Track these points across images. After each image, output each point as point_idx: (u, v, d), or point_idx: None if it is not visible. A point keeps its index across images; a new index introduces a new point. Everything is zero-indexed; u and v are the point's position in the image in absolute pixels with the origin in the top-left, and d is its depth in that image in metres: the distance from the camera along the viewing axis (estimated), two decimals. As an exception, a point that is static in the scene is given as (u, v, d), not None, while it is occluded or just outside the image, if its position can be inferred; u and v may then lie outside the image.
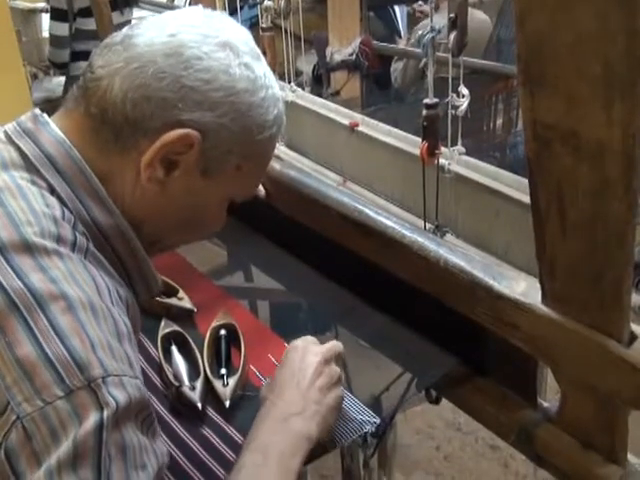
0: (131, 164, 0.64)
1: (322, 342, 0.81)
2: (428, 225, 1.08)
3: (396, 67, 2.71)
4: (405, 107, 2.43)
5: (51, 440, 0.49)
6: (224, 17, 0.69)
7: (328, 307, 1.03)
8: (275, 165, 1.05)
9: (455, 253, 0.79)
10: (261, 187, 1.04)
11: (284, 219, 1.03)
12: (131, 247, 0.66)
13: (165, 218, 0.68)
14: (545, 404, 0.79)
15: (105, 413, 0.50)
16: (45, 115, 0.66)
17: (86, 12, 2.58)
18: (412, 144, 1.12)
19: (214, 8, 1.59)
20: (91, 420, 0.49)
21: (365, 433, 0.79)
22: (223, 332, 0.92)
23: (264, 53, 1.39)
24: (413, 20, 3.11)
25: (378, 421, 0.80)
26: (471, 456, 1.99)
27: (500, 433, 0.81)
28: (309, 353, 0.76)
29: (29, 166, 0.62)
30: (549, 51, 0.50)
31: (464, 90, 0.97)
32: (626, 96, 0.48)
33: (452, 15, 0.90)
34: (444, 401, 0.97)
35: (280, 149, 1.44)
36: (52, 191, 0.61)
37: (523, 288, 0.71)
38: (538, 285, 0.68)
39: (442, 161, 1.03)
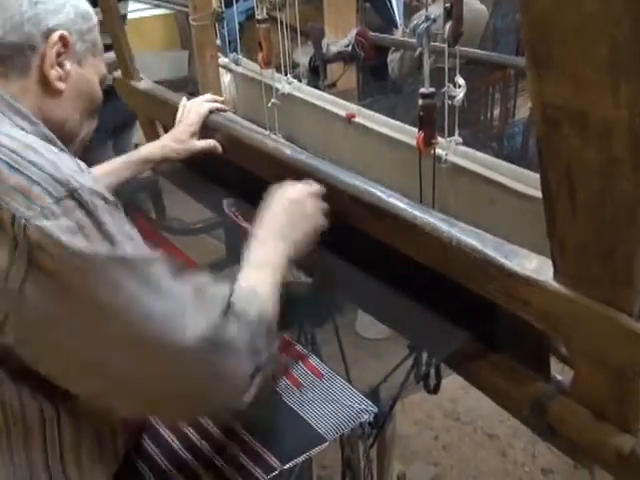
0: (33, 80, 0.77)
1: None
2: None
3: (393, 58, 2.70)
4: (402, 98, 2.43)
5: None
6: None
7: (338, 288, 1.04)
8: (285, 150, 1.05)
9: (467, 233, 0.79)
10: (217, 144, 1.23)
11: None
12: (57, 147, 0.74)
13: (75, 111, 0.83)
14: (558, 377, 0.80)
15: (88, 208, 0.62)
16: None
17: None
18: (409, 134, 1.12)
19: (210, 0, 1.59)
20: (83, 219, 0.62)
21: (364, 422, 0.79)
22: None
23: (260, 45, 1.40)
24: (410, 10, 3.10)
25: (376, 410, 0.80)
26: (470, 446, 2.00)
27: (511, 408, 0.83)
28: (284, 195, 0.91)
29: None
30: (555, 34, 0.51)
31: (460, 80, 0.97)
32: (632, 77, 0.49)
33: (447, 5, 0.89)
34: (443, 391, 0.97)
35: (278, 141, 1.44)
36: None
37: (535, 265, 0.72)
38: (550, 263, 0.69)
39: (439, 151, 1.03)
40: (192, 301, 0.67)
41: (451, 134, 1.04)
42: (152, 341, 0.63)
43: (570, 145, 0.56)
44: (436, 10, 0.97)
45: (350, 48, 1.87)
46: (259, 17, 1.38)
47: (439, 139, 1.02)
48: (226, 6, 1.75)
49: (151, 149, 1.24)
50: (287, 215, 0.89)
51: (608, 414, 0.72)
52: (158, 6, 3.79)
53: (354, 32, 1.86)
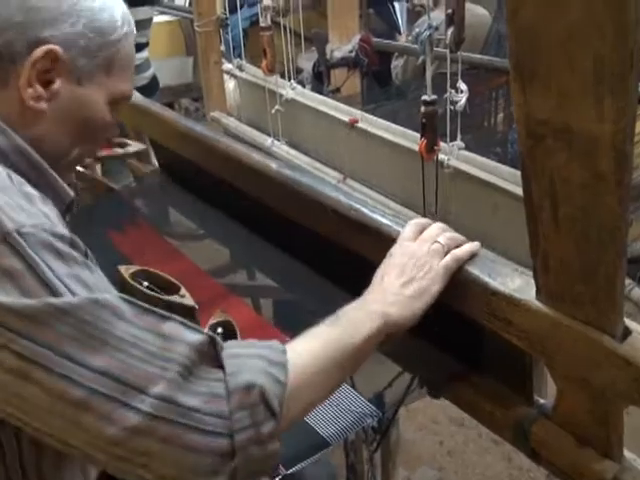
0: (13, 92, 0.69)
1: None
2: (428, 220, 1.08)
3: (396, 64, 2.70)
4: (406, 104, 2.43)
5: None
6: None
7: (323, 305, 1.03)
8: (271, 165, 1.05)
9: None
10: None
11: (279, 217, 1.03)
12: (32, 162, 0.70)
13: (61, 132, 0.74)
14: (541, 400, 0.79)
15: (28, 257, 0.54)
16: None
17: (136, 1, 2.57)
18: (411, 140, 1.12)
19: (214, 7, 1.60)
20: (17, 267, 0.54)
21: (367, 427, 0.79)
22: (220, 330, 0.93)
23: (264, 52, 1.40)
24: (413, 16, 3.11)
25: (380, 414, 0.80)
26: (475, 451, 1.99)
27: (497, 430, 0.82)
28: (395, 255, 0.77)
29: None
30: (540, 46, 0.50)
31: (462, 85, 0.97)
32: (616, 91, 0.48)
33: (449, 10, 0.90)
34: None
35: (281, 147, 1.45)
36: None
37: (518, 284, 0.71)
38: (532, 282, 0.68)
39: (441, 156, 1.04)
40: (148, 355, 0.54)
41: (453, 139, 1.05)
42: (88, 415, 0.52)
43: (554, 160, 0.55)
44: (439, 16, 0.98)
45: (354, 54, 1.87)
46: (263, 25, 1.39)
47: (441, 144, 1.02)
48: (230, 13, 1.76)
49: None
50: (401, 277, 0.74)
51: (590, 439, 0.71)
52: (163, 13, 3.81)
53: (358, 38, 1.87)
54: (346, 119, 1.28)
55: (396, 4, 3.40)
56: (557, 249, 0.62)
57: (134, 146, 1.30)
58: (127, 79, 0.78)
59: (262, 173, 1.03)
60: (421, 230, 0.79)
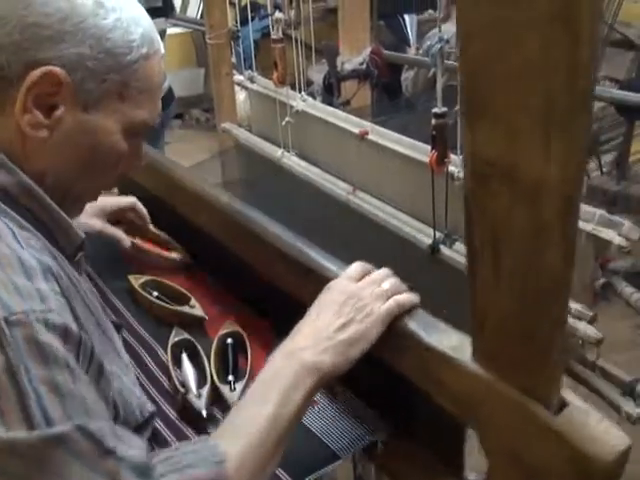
0: (11, 119, 0.63)
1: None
2: (438, 234, 1.08)
3: (407, 76, 2.71)
4: (416, 116, 2.43)
5: None
6: None
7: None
8: (222, 198, 1.04)
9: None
10: (126, 238, 1.13)
11: (228, 254, 1.02)
12: (39, 201, 0.66)
13: (65, 164, 0.67)
14: (473, 476, 0.75)
15: (10, 353, 0.51)
16: None
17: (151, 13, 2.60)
18: (421, 152, 1.12)
19: (226, 18, 1.61)
20: None
21: (376, 440, 0.79)
22: (230, 340, 0.93)
23: (275, 65, 1.41)
24: (423, 28, 3.12)
25: (390, 428, 0.80)
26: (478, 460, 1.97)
27: None
28: (335, 290, 0.74)
29: None
30: (490, 81, 0.48)
31: None
32: (566, 132, 0.46)
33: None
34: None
35: (291, 159, 1.45)
36: None
37: (454, 342, 0.67)
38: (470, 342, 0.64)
39: (451, 169, 1.04)
40: None
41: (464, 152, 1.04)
42: None
43: (498, 204, 0.52)
44: (449, 28, 0.98)
45: (364, 66, 1.88)
46: (274, 37, 1.39)
47: (452, 157, 1.02)
48: (242, 25, 1.77)
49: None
50: (338, 318, 0.70)
51: None
52: (175, 25, 3.84)
53: (368, 50, 1.87)
54: (356, 131, 1.28)
55: (406, 17, 3.41)
56: (495, 306, 0.58)
57: (178, 254, 1.18)
58: (146, 105, 0.70)
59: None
60: (366, 272, 0.76)
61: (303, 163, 1.44)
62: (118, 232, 1.13)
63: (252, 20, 1.56)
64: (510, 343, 0.59)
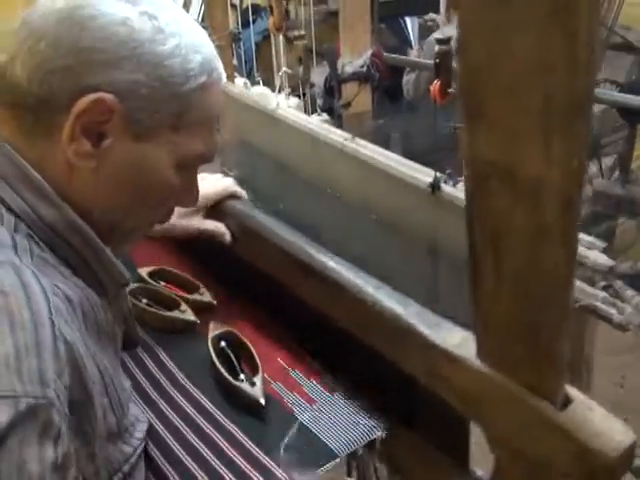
0: (58, 146, 0.60)
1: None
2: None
3: (408, 79, 2.71)
4: (417, 118, 2.44)
5: None
6: None
7: None
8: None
9: (392, 298, 0.76)
10: (227, 231, 1.01)
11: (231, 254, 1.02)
12: (85, 238, 0.62)
13: (113, 197, 0.64)
14: (478, 472, 0.75)
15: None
16: None
17: None
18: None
19: (227, 21, 1.61)
20: None
21: (374, 439, 0.79)
22: (223, 344, 0.93)
23: (270, 9, 1.38)
24: (425, 31, 3.12)
25: (387, 426, 0.80)
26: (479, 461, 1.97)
27: None
28: None
29: None
30: (489, 83, 0.48)
31: None
32: (566, 132, 0.46)
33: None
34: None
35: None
36: None
37: (459, 340, 0.68)
38: (474, 338, 0.64)
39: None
40: None
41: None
42: None
43: (498, 205, 0.52)
44: (451, 31, 0.98)
45: (365, 68, 1.88)
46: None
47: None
48: (243, 27, 1.78)
49: None
50: None
51: None
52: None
53: (369, 52, 1.88)
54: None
55: (408, 19, 3.42)
56: (499, 305, 0.58)
57: (205, 296, 1.06)
58: (202, 137, 0.67)
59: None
60: None
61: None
62: (219, 227, 1.00)
63: (254, 22, 1.57)
64: (514, 341, 0.59)
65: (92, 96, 0.58)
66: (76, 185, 0.61)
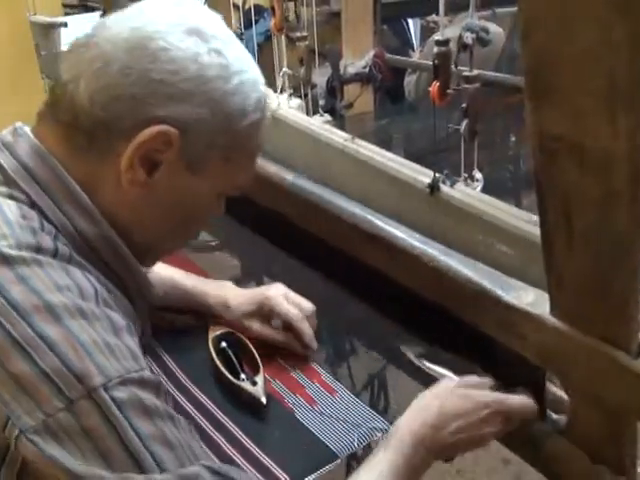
0: (111, 168, 0.61)
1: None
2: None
3: (410, 80, 2.71)
4: (419, 120, 2.44)
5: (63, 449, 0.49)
6: (192, 3, 0.66)
7: (338, 316, 1.03)
8: (286, 176, 1.05)
9: (464, 263, 0.79)
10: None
11: (294, 229, 1.04)
12: (120, 255, 0.64)
13: (156, 222, 0.66)
14: (554, 416, 0.78)
15: (114, 422, 0.51)
16: (25, 127, 0.65)
17: None
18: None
19: (230, 20, 1.61)
20: (98, 427, 0.50)
21: (376, 440, 0.79)
22: (224, 344, 0.93)
23: (272, 10, 1.39)
24: (426, 32, 3.12)
25: (388, 428, 0.80)
26: (484, 470, 1.97)
27: (509, 444, 0.81)
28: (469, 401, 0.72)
29: (7, 180, 0.60)
30: (554, 64, 0.51)
31: (478, 174, 0.96)
32: (630, 108, 0.48)
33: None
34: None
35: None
36: (32, 204, 0.60)
37: (531, 299, 0.71)
38: (547, 297, 0.68)
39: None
40: None
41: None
42: None
43: (568, 176, 0.55)
44: (453, 32, 0.98)
45: (367, 69, 1.88)
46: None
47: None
48: (245, 27, 1.78)
49: (217, 300, 0.93)
50: (450, 428, 0.69)
51: (604, 456, 0.70)
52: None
53: (371, 53, 1.88)
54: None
55: (410, 21, 3.42)
56: (571, 266, 0.61)
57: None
58: (247, 169, 0.69)
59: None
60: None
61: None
62: (275, 335, 0.94)
63: (256, 23, 1.57)
64: (587, 299, 0.62)
65: (156, 128, 0.59)
66: (121, 207, 0.63)
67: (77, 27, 2.81)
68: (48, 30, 3.47)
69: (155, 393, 0.55)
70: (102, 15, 2.72)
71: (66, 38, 2.96)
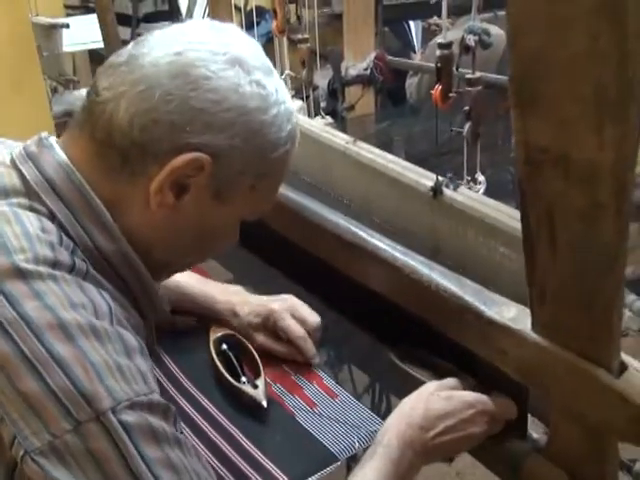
0: (140, 189, 0.61)
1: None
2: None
3: (411, 82, 2.71)
4: (420, 122, 2.44)
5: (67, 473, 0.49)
6: (233, 30, 0.67)
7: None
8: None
9: (447, 277, 0.78)
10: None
11: (281, 241, 1.03)
12: (137, 272, 0.65)
13: (176, 243, 0.67)
14: (535, 435, 0.77)
15: (121, 445, 0.50)
16: (51, 138, 0.65)
17: (152, 17, 2.61)
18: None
19: (231, 21, 1.61)
20: (105, 451, 0.50)
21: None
22: (224, 346, 0.92)
23: (274, 12, 1.39)
24: (428, 34, 3.12)
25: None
26: (484, 472, 1.97)
27: (487, 462, 0.80)
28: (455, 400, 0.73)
29: (29, 191, 0.60)
30: (541, 72, 0.50)
31: (480, 177, 0.96)
32: (617, 118, 0.48)
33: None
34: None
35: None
36: (52, 217, 0.60)
37: (513, 314, 0.70)
38: (528, 312, 0.67)
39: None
40: None
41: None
42: None
43: (553, 187, 0.54)
44: (454, 35, 0.98)
45: (369, 71, 1.88)
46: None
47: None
48: (247, 29, 1.78)
49: (225, 307, 0.94)
50: (437, 429, 0.70)
51: (584, 475, 0.69)
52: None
53: (373, 55, 1.88)
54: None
55: (411, 23, 3.42)
56: (554, 279, 0.60)
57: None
58: (271, 198, 0.70)
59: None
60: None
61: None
62: (278, 348, 0.93)
63: (257, 24, 1.57)
64: (570, 312, 0.61)
65: (191, 155, 0.59)
66: (145, 227, 0.63)
67: (79, 28, 2.82)
68: (50, 31, 3.47)
69: (163, 417, 0.55)
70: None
71: (68, 39, 2.97)
